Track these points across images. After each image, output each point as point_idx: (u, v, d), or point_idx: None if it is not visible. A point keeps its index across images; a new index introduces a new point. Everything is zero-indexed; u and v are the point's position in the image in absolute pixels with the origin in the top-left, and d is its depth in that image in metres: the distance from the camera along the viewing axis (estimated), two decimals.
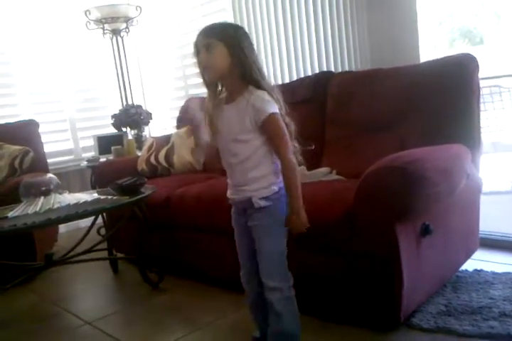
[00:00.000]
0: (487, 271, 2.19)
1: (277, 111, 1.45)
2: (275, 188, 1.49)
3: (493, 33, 4.01)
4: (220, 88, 1.53)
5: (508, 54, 3.58)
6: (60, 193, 2.42)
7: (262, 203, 1.48)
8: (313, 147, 1.64)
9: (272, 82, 1.59)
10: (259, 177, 1.48)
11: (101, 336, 2.05)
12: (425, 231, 1.77)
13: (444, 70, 2.26)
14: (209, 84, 1.51)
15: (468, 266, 2.22)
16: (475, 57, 2.22)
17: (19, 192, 2.40)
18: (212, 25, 1.48)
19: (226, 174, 1.58)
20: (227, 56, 1.43)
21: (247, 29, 2.06)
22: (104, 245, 2.73)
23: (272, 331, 1.56)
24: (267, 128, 1.44)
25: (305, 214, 1.48)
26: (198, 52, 1.46)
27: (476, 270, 2.21)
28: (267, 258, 1.51)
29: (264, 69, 1.53)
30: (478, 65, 2.21)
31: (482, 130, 2.23)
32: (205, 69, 1.45)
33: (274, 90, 1.49)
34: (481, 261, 2.30)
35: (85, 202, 2.28)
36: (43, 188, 2.38)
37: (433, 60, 2.37)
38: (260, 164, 1.48)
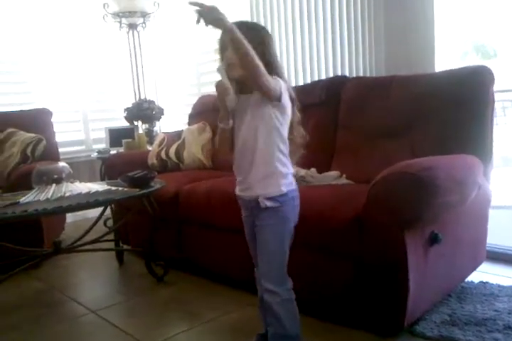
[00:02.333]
0: (492, 284, 2.19)
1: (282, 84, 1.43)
2: (283, 189, 1.48)
3: (507, 47, 4.00)
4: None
5: None
6: (72, 182, 2.44)
7: (268, 203, 1.47)
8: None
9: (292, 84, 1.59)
10: (268, 174, 1.47)
11: (105, 325, 2.07)
12: (434, 239, 1.77)
13: (459, 80, 2.25)
14: (231, 80, 1.49)
15: (474, 277, 2.22)
16: (491, 69, 2.22)
17: (31, 179, 2.41)
18: (238, 22, 1.46)
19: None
20: None
21: None
22: (111, 236, 2.75)
23: (272, 333, 1.53)
24: None
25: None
26: (223, 49, 1.46)
27: (481, 282, 2.22)
28: (267, 259, 1.51)
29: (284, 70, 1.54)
30: (493, 77, 2.21)
31: (493, 143, 2.22)
32: (229, 65, 1.44)
33: (291, 90, 1.50)
34: (487, 274, 2.30)
35: (96, 192, 2.29)
36: (55, 176, 2.40)
37: (449, 70, 2.36)
38: (270, 161, 1.47)
